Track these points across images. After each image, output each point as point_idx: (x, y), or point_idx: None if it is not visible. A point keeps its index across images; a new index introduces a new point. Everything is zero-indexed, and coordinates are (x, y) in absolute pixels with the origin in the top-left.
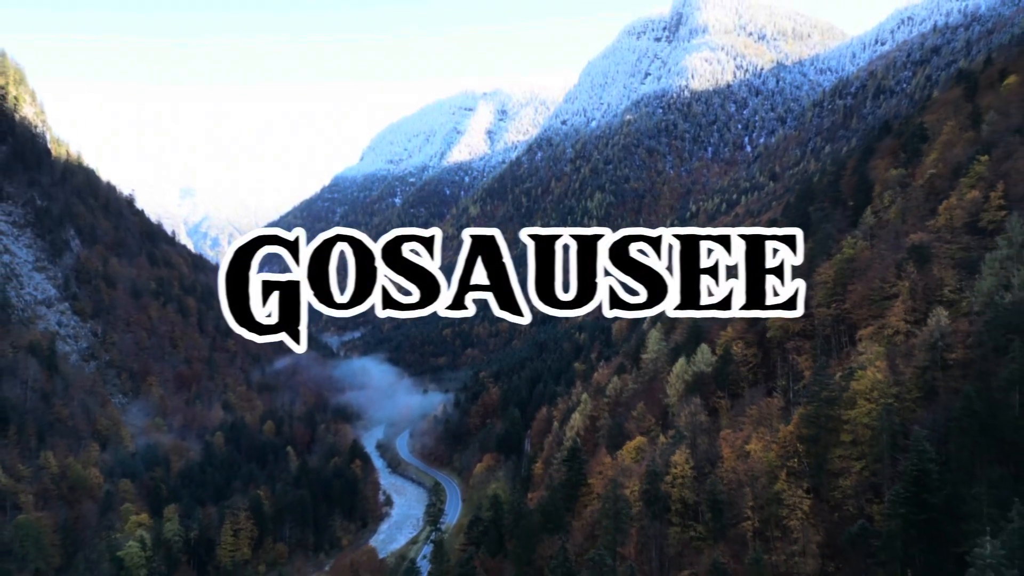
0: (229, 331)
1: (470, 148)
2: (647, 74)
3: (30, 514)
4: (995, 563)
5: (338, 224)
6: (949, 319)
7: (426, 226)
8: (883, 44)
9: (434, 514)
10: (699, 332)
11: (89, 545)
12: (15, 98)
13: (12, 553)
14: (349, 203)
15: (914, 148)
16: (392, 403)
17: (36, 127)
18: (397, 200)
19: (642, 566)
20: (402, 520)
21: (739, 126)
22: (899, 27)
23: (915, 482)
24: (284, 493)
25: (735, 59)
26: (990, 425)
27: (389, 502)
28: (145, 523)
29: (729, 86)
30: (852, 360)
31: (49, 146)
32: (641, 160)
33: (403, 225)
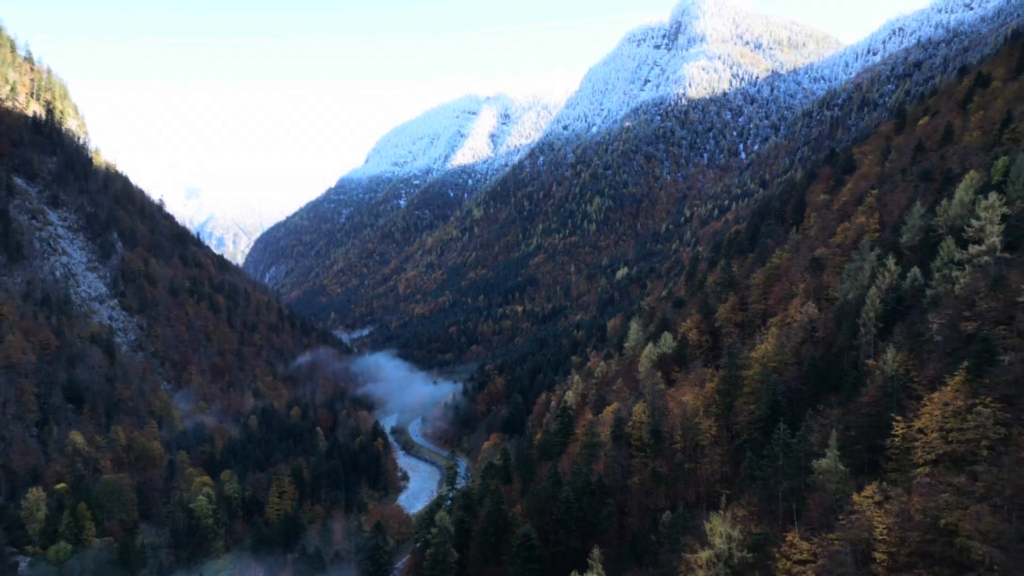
0: (255, 326)
1: (473, 151)
2: (647, 81)
3: (111, 476)
4: (804, 453)
5: (344, 225)
6: (817, 309)
7: (431, 228)
8: (875, 54)
9: (451, 467)
10: (666, 323)
11: (161, 501)
12: (61, 112)
13: (101, 506)
14: (355, 204)
15: (839, 178)
16: (405, 393)
17: (79, 138)
18: (402, 202)
19: (607, 477)
20: (418, 492)
21: (734, 133)
22: (890, 37)
23: (770, 408)
24: (319, 464)
25: (731, 68)
26: (825, 375)
27: (405, 477)
28: (208, 484)
29: (725, 94)
30: (758, 339)
31: (90, 156)
32: (639, 166)
33: (408, 227)
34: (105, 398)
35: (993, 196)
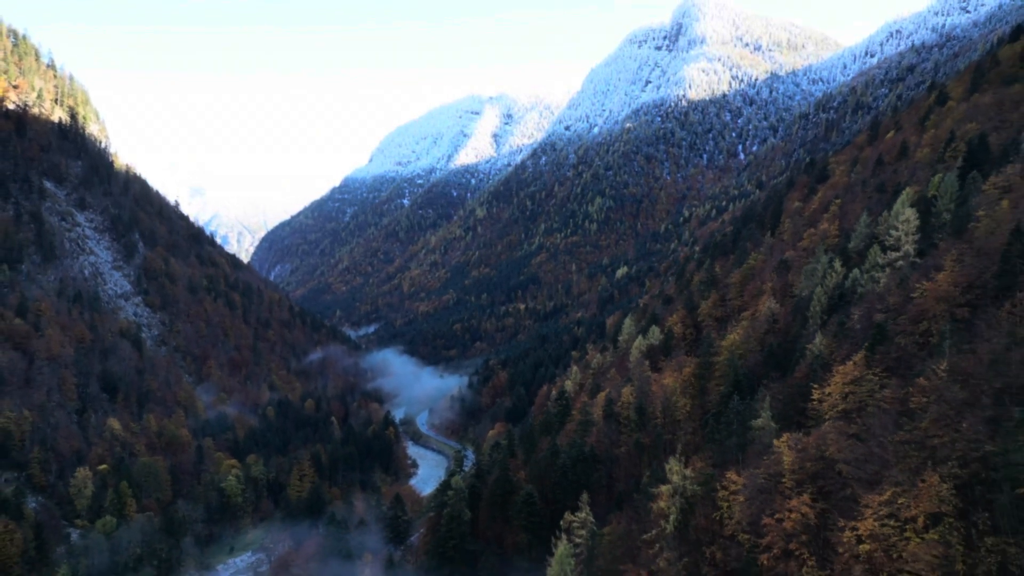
0: (269, 323)
1: (476, 151)
2: (647, 82)
3: (147, 458)
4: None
5: (348, 224)
6: (779, 305)
7: (434, 227)
8: (872, 56)
9: (459, 455)
10: (655, 318)
11: (192, 482)
12: (83, 117)
13: (139, 486)
14: (359, 203)
15: (812, 187)
16: (413, 387)
17: (101, 142)
18: (405, 201)
19: (598, 447)
20: (427, 478)
21: (733, 134)
22: (888, 40)
23: (733, 386)
24: (335, 450)
25: (731, 69)
26: (779, 358)
27: (415, 465)
28: (235, 466)
29: (725, 96)
30: (729, 330)
31: (111, 159)
32: (640, 166)
33: (412, 226)
34: (136, 388)
35: (909, 211)
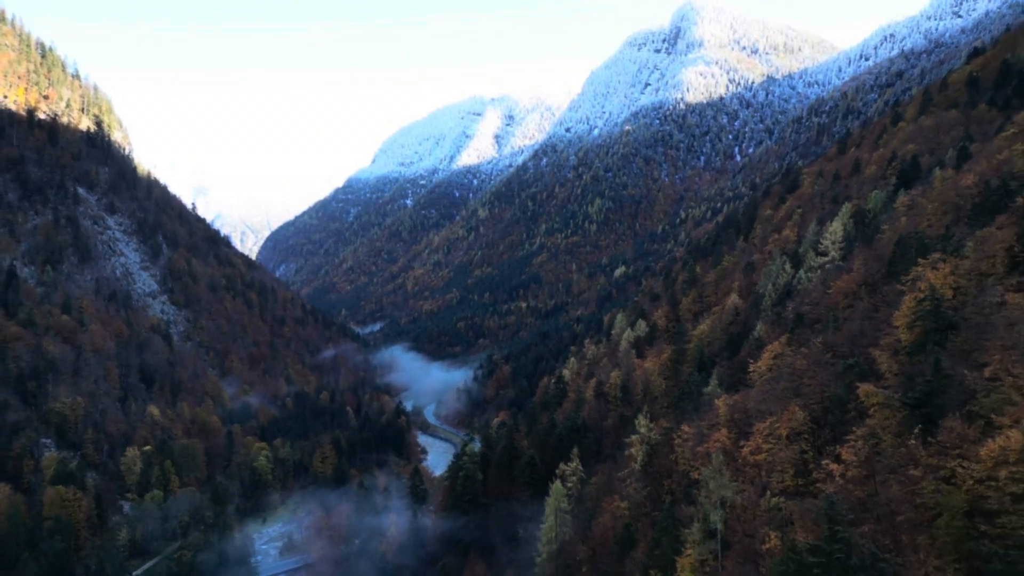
0: (283, 320)
1: (478, 152)
2: (647, 84)
3: (185, 441)
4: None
5: (352, 224)
6: (742, 300)
7: (437, 227)
8: (867, 59)
9: (465, 443)
10: (642, 312)
11: (223, 464)
12: (108, 125)
13: (179, 465)
14: (362, 204)
15: (782, 196)
16: (421, 381)
17: (124, 149)
18: (408, 202)
19: (589, 420)
20: (436, 463)
21: (730, 137)
22: (882, 43)
23: (698, 367)
24: (353, 435)
25: (728, 73)
26: (737, 344)
27: (424, 451)
28: (264, 448)
29: (722, 99)
30: (700, 322)
31: (134, 165)
32: (638, 168)
33: (415, 226)
34: (169, 379)
35: (836, 224)
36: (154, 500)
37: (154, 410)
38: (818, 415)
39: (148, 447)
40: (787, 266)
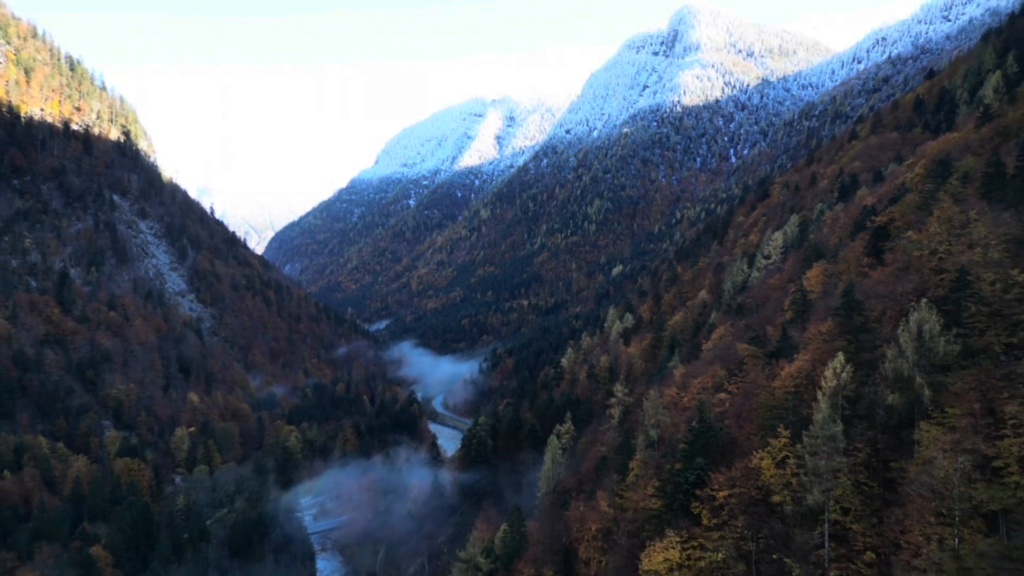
0: (299, 317)
1: (480, 153)
2: (645, 86)
3: (223, 423)
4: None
5: (356, 224)
6: (709, 295)
7: (440, 227)
8: (859, 62)
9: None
10: (630, 306)
11: (255, 445)
12: (135, 135)
13: (220, 445)
14: (366, 204)
15: (754, 204)
16: (429, 374)
17: (149, 156)
18: (411, 202)
19: (582, 396)
20: (445, 448)
21: (725, 139)
22: (874, 47)
23: (669, 350)
24: (371, 421)
25: (724, 76)
26: (697, 329)
27: (435, 437)
28: (293, 431)
29: (718, 101)
30: (675, 314)
31: (160, 172)
32: (636, 169)
33: (418, 226)
34: (203, 370)
35: (778, 233)
36: (201, 473)
37: (194, 396)
38: (732, 369)
39: (192, 428)
40: (745, 266)
